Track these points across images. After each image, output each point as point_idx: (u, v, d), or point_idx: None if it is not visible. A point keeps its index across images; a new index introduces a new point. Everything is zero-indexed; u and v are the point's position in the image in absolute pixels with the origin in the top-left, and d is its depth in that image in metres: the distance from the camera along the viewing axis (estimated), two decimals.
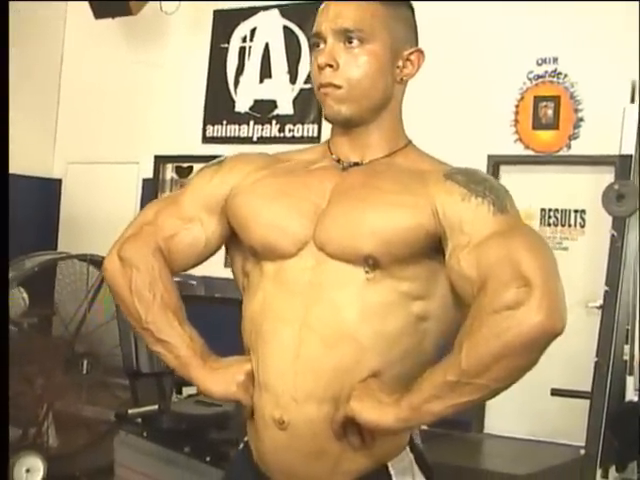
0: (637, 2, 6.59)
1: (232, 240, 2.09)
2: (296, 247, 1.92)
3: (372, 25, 1.94)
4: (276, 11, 8.65)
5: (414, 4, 2.06)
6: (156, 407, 4.34)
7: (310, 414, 1.86)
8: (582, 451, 5.23)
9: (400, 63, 1.99)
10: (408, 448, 1.94)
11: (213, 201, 2.07)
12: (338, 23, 1.94)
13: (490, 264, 1.76)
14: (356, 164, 2.00)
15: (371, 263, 1.86)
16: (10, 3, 8.72)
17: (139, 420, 4.42)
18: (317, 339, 1.86)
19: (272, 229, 1.94)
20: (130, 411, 4.38)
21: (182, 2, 8.81)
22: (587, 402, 5.28)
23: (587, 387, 5.37)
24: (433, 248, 1.87)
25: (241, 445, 2.08)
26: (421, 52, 2.02)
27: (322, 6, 2.01)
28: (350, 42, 1.93)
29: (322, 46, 1.97)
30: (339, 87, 1.94)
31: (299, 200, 1.96)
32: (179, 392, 5.93)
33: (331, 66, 1.94)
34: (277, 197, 1.98)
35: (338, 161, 2.01)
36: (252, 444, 1.99)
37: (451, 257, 1.83)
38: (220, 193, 2.06)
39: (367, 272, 1.87)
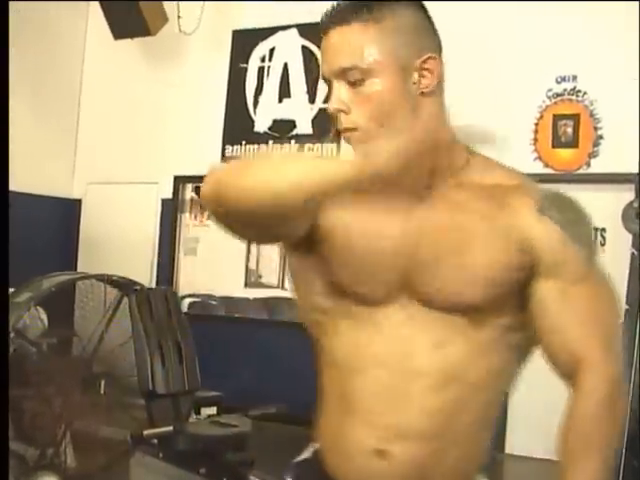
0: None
1: (303, 267, 2.03)
2: (386, 293, 1.88)
3: (369, 54, 1.84)
4: (295, 31, 8.65)
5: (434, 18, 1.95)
6: (171, 428, 4.32)
7: (415, 450, 1.88)
8: None
9: (415, 77, 1.87)
10: None
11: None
12: (335, 64, 1.86)
13: (572, 325, 1.84)
14: (421, 188, 1.93)
15: (476, 309, 1.85)
16: (27, 24, 8.80)
17: (155, 441, 4.40)
18: (424, 381, 1.86)
19: (362, 272, 1.88)
20: (145, 432, 4.36)
21: (201, 23, 8.83)
22: None
23: None
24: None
25: (308, 453, 2.08)
26: (433, 57, 1.90)
27: (322, 40, 1.91)
28: (352, 81, 1.85)
29: (331, 88, 1.90)
30: (356, 129, 1.87)
31: (386, 241, 1.89)
32: (197, 412, 5.92)
33: (342, 111, 1.87)
34: (372, 238, 1.90)
35: (403, 187, 1.93)
36: (333, 463, 1.99)
37: (539, 293, 1.85)
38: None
39: (471, 317, 1.85)
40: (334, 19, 1.87)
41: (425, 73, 1.88)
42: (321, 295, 1.98)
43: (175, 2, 8.82)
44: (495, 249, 1.83)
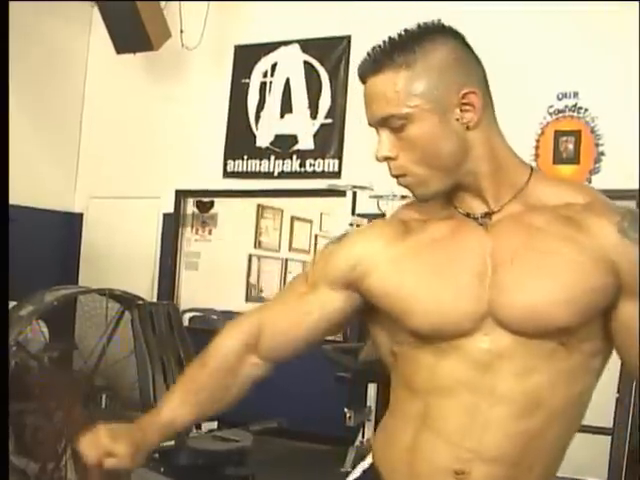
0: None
1: (372, 318, 2.02)
2: (471, 325, 1.85)
3: (404, 101, 1.81)
4: (297, 46, 8.68)
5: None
6: (173, 442, 4.32)
7: (495, 473, 1.86)
8: None
9: (457, 113, 1.83)
10: None
11: (338, 275, 1.97)
12: (374, 114, 1.86)
13: None
14: (487, 214, 1.90)
15: (561, 333, 1.82)
16: (30, 37, 8.83)
17: (156, 455, 4.39)
18: (508, 407, 1.84)
19: (441, 312, 1.84)
20: None
21: (203, 38, 8.87)
22: (609, 438, 5.23)
23: (608, 423, 5.32)
24: None
25: (358, 473, 2.08)
26: (472, 92, 1.84)
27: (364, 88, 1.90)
28: (394, 127, 1.84)
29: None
30: (405, 175, 1.87)
31: (460, 274, 1.85)
32: (198, 427, 5.91)
33: (389, 158, 1.87)
34: (434, 275, 1.87)
35: (468, 215, 1.91)
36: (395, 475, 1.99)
37: (624, 314, 1.85)
38: (345, 268, 1.96)
39: (556, 342, 1.83)
40: (368, 68, 1.86)
41: (467, 107, 1.84)
42: (399, 338, 1.97)
43: (178, 18, 8.86)
44: (579, 271, 1.80)
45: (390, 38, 1.85)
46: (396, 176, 1.88)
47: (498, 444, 1.85)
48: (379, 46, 1.85)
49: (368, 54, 1.86)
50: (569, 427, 1.92)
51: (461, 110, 1.83)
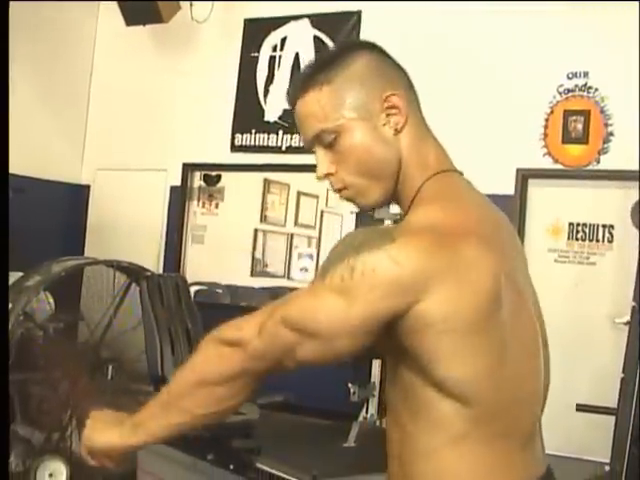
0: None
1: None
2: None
3: (330, 114, 1.88)
4: (306, 21, 8.65)
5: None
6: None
7: None
8: (607, 467, 5.19)
9: (383, 119, 1.89)
10: None
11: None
12: (307, 135, 1.92)
13: None
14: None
15: None
16: (40, 9, 8.81)
17: None
18: None
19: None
20: None
21: (213, 11, 8.84)
22: (612, 418, 5.24)
23: (613, 403, 5.33)
24: None
25: None
26: (393, 94, 1.89)
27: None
28: (327, 144, 1.89)
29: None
30: (346, 187, 1.92)
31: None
32: None
33: (329, 174, 1.92)
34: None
35: None
36: None
37: None
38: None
39: None
40: (294, 93, 1.93)
41: (392, 111, 1.89)
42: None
43: None
44: None
45: (310, 61, 1.95)
46: (338, 190, 1.93)
47: None
48: (303, 69, 1.94)
49: (294, 79, 1.98)
50: None
51: (387, 115, 1.88)
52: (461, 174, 2.00)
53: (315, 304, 1.74)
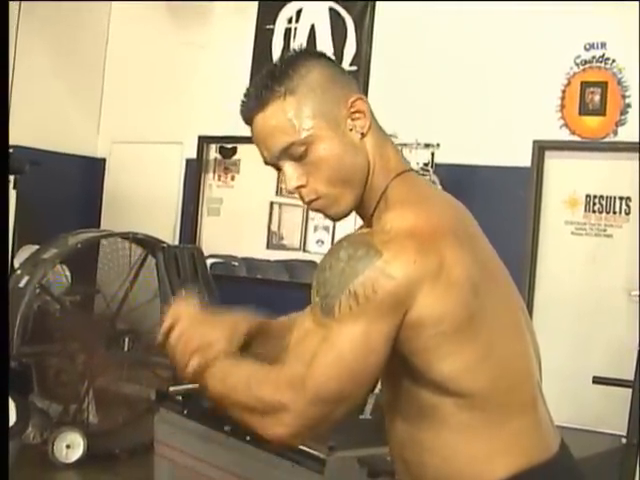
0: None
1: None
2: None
3: (299, 125, 1.83)
4: None
5: None
6: (197, 385, 4.34)
7: None
8: (623, 440, 5.19)
9: (349, 124, 1.87)
10: None
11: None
12: (273, 149, 1.86)
13: None
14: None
15: None
16: None
17: (180, 398, 4.42)
18: None
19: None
20: (171, 389, 4.38)
21: None
22: (629, 391, 5.24)
23: (629, 375, 5.32)
24: None
25: None
26: (358, 98, 1.88)
27: (251, 129, 1.90)
28: (297, 156, 1.85)
29: (282, 171, 1.89)
30: (319, 198, 1.88)
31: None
32: None
33: (301, 186, 1.87)
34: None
35: None
36: None
37: None
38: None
39: None
40: (252, 107, 1.87)
41: (357, 115, 1.87)
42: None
43: None
44: None
45: (261, 75, 1.89)
46: (309, 202, 1.89)
47: None
48: (254, 85, 1.88)
49: (245, 95, 1.89)
50: None
51: (352, 120, 1.87)
52: (417, 173, 2.01)
53: (337, 352, 1.72)
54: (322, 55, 1.95)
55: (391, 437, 1.94)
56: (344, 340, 1.71)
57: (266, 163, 1.91)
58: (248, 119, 1.89)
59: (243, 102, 1.89)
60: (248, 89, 1.89)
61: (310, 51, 1.96)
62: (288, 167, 1.86)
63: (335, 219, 1.93)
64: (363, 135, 1.88)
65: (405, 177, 1.92)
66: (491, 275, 1.84)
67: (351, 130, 1.87)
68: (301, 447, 3.69)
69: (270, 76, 1.86)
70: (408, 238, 1.72)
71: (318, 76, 1.87)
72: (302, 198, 1.90)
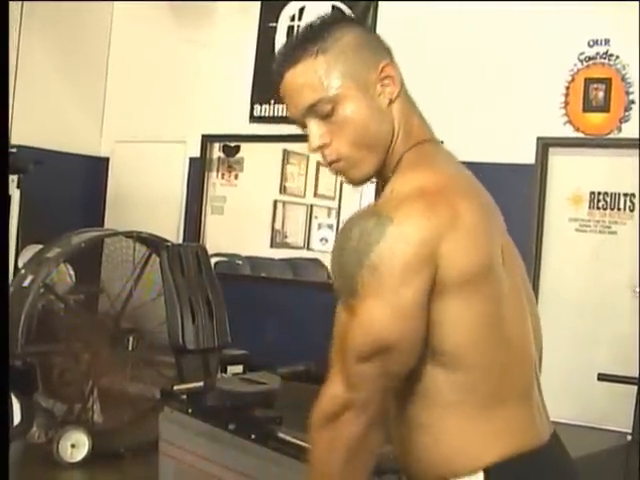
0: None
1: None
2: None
3: (330, 83, 1.84)
4: None
5: None
6: (201, 384, 4.34)
7: None
8: (628, 437, 5.19)
9: (379, 89, 1.87)
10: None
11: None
12: (301, 104, 1.86)
13: None
14: None
15: None
16: None
17: (184, 397, 4.42)
18: None
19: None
20: (176, 387, 4.38)
21: None
22: (634, 387, 5.24)
23: (633, 371, 5.32)
24: None
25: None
26: (388, 64, 1.89)
27: (280, 86, 1.90)
28: (323, 114, 1.85)
29: (306, 129, 1.89)
30: (340, 160, 1.88)
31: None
32: (224, 371, 5.94)
33: (324, 145, 1.87)
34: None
35: None
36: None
37: None
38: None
39: None
40: (284, 62, 1.88)
41: (386, 82, 1.88)
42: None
43: None
44: None
45: (297, 34, 1.90)
46: (330, 162, 1.89)
47: None
48: (289, 42, 1.90)
49: (279, 53, 1.90)
50: None
51: (382, 85, 1.87)
52: (441, 143, 1.99)
53: (367, 322, 1.71)
54: (358, 22, 1.98)
55: (389, 416, 1.90)
56: (373, 315, 1.69)
57: (292, 121, 1.91)
58: (279, 73, 1.89)
59: (276, 58, 1.90)
60: (282, 47, 1.91)
61: (345, 17, 2.00)
62: (313, 125, 1.87)
63: (354, 184, 1.93)
64: (391, 101, 1.88)
65: (423, 146, 1.91)
66: (503, 248, 1.83)
67: (380, 95, 1.87)
68: (306, 445, 3.70)
69: (304, 36, 1.88)
70: (417, 197, 1.71)
71: (351, 39, 1.87)
72: (324, 157, 1.89)
